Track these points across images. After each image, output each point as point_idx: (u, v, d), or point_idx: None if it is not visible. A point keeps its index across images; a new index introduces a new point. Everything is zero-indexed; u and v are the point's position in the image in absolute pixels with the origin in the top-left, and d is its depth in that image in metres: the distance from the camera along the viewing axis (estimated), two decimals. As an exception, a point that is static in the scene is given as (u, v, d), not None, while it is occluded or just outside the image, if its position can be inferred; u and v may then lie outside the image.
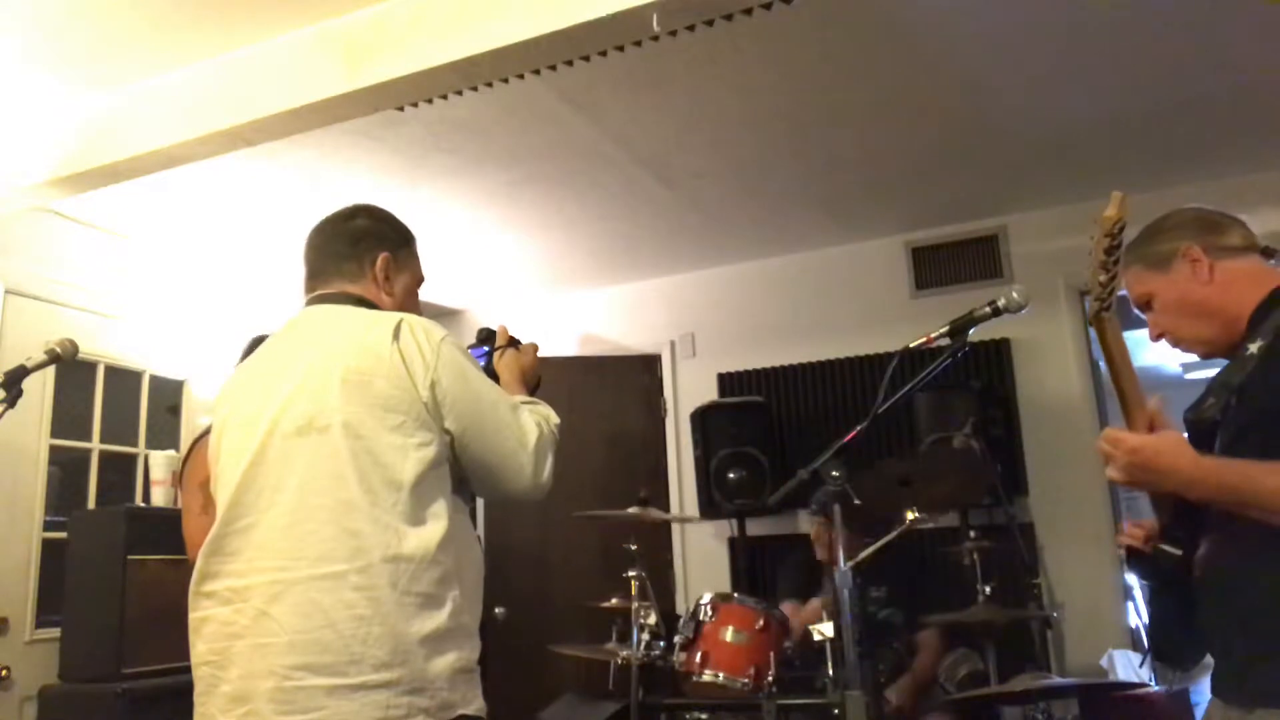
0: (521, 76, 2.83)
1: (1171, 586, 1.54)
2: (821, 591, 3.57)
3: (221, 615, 1.49)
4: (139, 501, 3.95)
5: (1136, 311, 1.65)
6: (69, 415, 3.82)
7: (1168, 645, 1.64)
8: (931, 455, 3.78)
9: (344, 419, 1.50)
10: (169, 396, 4.28)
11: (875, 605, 3.42)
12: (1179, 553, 1.48)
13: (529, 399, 1.79)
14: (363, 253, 1.74)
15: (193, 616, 1.55)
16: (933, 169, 3.86)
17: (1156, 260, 1.59)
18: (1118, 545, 1.62)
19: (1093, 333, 4.35)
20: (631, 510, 3.31)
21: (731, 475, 4.23)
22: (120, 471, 4.02)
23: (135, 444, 4.09)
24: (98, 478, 3.91)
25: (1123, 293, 1.53)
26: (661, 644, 3.05)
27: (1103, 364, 4.35)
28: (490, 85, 2.84)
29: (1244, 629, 1.43)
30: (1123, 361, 1.41)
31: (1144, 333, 1.66)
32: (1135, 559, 1.56)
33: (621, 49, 2.63)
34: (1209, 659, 1.55)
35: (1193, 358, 1.66)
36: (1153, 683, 3.12)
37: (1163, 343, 1.63)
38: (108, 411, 3.97)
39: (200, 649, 1.52)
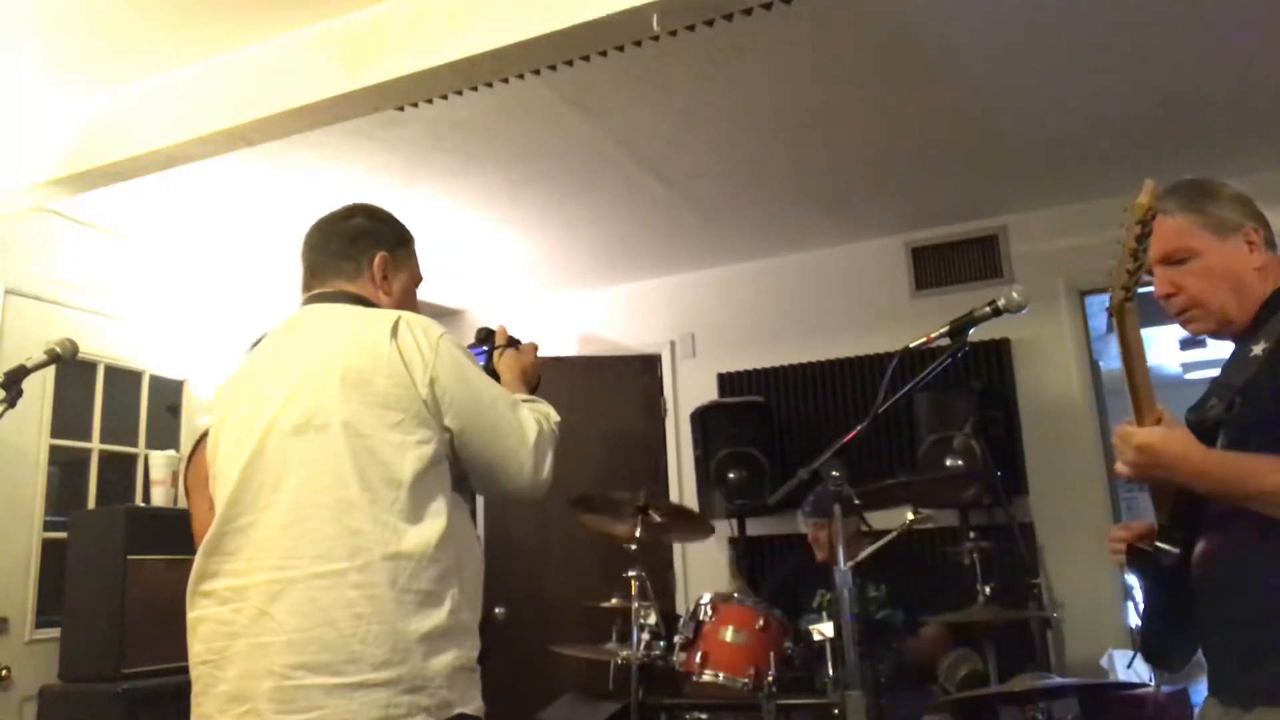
0: (521, 76, 2.83)
1: (1166, 586, 1.54)
2: (815, 594, 3.58)
3: (219, 615, 1.49)
4: (139, 501, 3.95)
5: (1147, 277, 1.53)
6: (69, 415, 3.82)
7: (1158, 646, 1.64)
8: (931, 456, 3.79)
9: (343, 417, 1.50)
10: (169, 396, 4.29)
11: (874, 604, 3.42)
12: (1177, 551, 1.49)
13: (529, 397, 1.79)
14: (360, 252, 1.74)
15: (190, 616, 1.54)
16: (933, 169, 3.86)
17: (1219, 225, 1.56)
18: (1111, 552, 1.61)
19: (1093, 330, 4.33)
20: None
21: (731, 475, 4.23)
22: (120, 471, 4.02)
23: (135, 444, 4.09)
24: (98, 478, 3.91)
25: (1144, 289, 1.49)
26: (661, 644, 3.05)
27: (1103, 363, 4.37)
28: (490, 85, 2.84)
29: (1242, 627, 1.43)
30: (1138, 354, 1.41)
31: (1153, 331, 1.64)
32: (1135, 558, 1.55)
33: (621, 49, 2.63)
34: (1200, 658, 1.55)
35: (1192, 357, 1.66)
36: (1152, 682, 3.12)
37: (1157, 338, 1.62)
38: (108, 411, 3.98)
39: (197, 648, 1.52)
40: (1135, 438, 1.40)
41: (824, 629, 2.62)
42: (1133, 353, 1.40)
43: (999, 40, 2.90)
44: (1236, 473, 1.37)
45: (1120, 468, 1.43)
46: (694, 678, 2.88)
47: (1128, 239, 1.34)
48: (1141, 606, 1.65)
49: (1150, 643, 1.64)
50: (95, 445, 3.92)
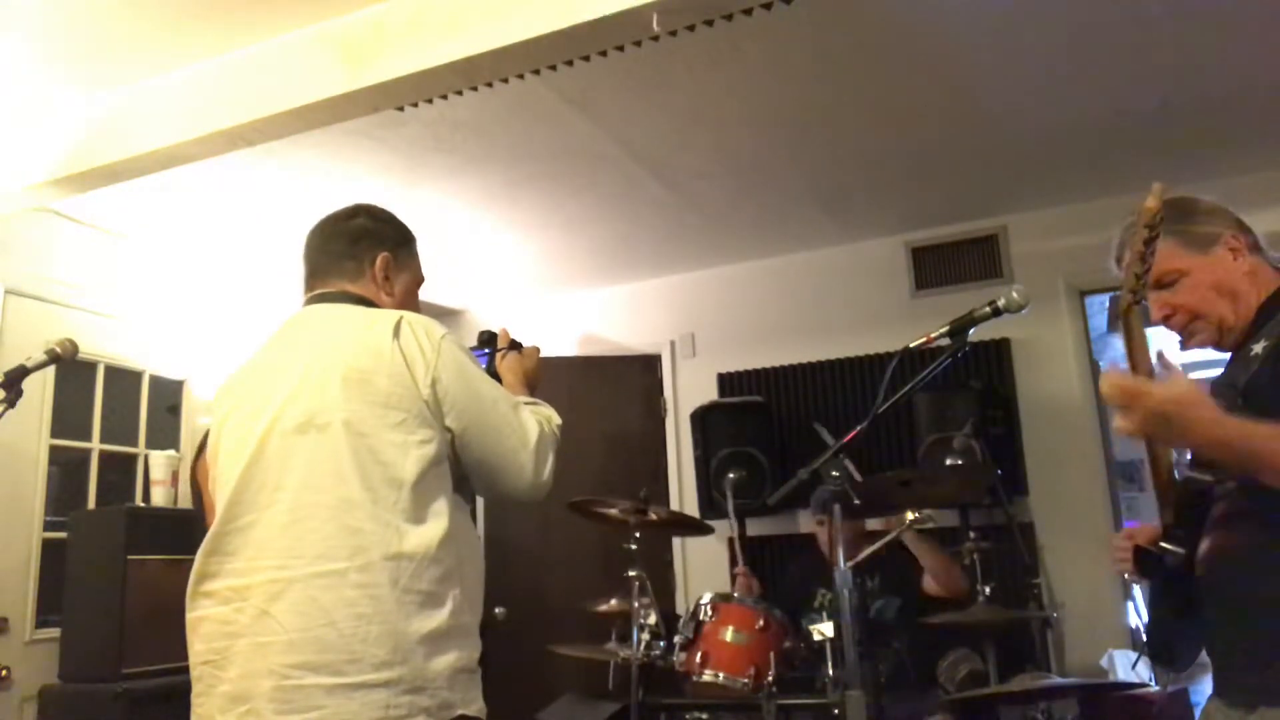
0: (521, 76, 2.83)
1: (1171, 586, 1.54)
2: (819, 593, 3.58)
3: (219, 615, 1.49)
4: (139, 501, 3.95)
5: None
6: (69, 415, 3.82)
7: (1164, 646, 1.64)
8: (931, 455, 3.79)
9: (345, 417, 1.50)
10: (169, 396, 4.29)
11: (868, 597, 3.41)
12: (1182, 551, 1.49)
13: (530, 399, 1.79)
14: (362, 252, 1.74)
15: (190, 616, 1.54)
16: (933, 169, 3.86)
17: (1198, 240, 1.58)
18: (1116, 560, 1.60)
19: (1093, 330, 4.31)
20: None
21: (731, 475, 4.23)
22: (120, 471, 4.02)
23: (135, 444, 4.09)
24: (98, 478, 3.91)
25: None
26: (661, 644, 3.05)
27: (1103, 363, 4.37)
28: (490, 85, 2.84)
29: (1247, 628, 1.43)
30: (1143, 353, 1.42)
31: (1155, 330, 1.65)
32: (1142, 560, 1.55)
33: (621, 49, 2.63)
34: (1205, 658, 1.55)
35: (1192, 356, 1.67)
36: (1152, 683, 3.12)
37: (1158, 336, 1.63)
38: (108, 411, 3.98)
39: (198, 648, 1.51)
40: (1153, 393, 1.29)
41: (824, 629, 2.62)
42: (1138, 354, 1.41)
43: (999, 40, 2.90)
44: (1253, 441, 1.29)
45: (1123, 423, 1.32)
46: (694, 678, 2.88)
47: (1135, 243, 1.35)
48: (1145, 606, 1.65)
49: (1156, 642, 1.65)
50: (95, 445, 3.92)
